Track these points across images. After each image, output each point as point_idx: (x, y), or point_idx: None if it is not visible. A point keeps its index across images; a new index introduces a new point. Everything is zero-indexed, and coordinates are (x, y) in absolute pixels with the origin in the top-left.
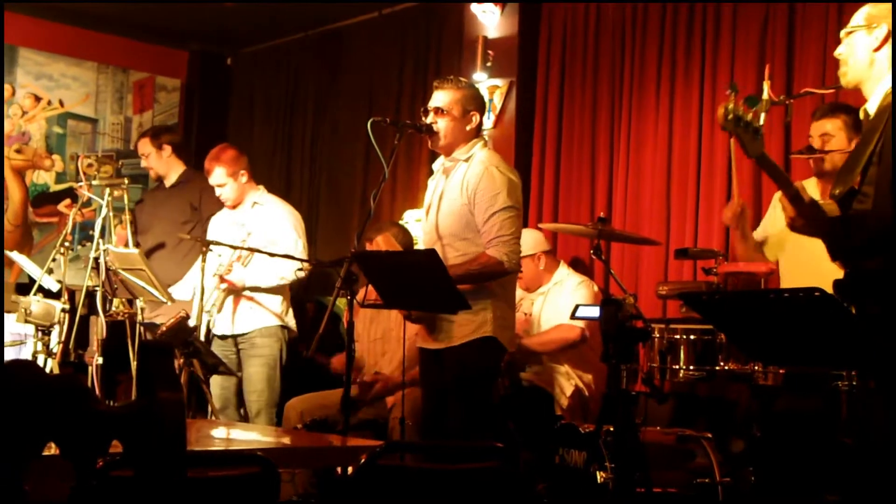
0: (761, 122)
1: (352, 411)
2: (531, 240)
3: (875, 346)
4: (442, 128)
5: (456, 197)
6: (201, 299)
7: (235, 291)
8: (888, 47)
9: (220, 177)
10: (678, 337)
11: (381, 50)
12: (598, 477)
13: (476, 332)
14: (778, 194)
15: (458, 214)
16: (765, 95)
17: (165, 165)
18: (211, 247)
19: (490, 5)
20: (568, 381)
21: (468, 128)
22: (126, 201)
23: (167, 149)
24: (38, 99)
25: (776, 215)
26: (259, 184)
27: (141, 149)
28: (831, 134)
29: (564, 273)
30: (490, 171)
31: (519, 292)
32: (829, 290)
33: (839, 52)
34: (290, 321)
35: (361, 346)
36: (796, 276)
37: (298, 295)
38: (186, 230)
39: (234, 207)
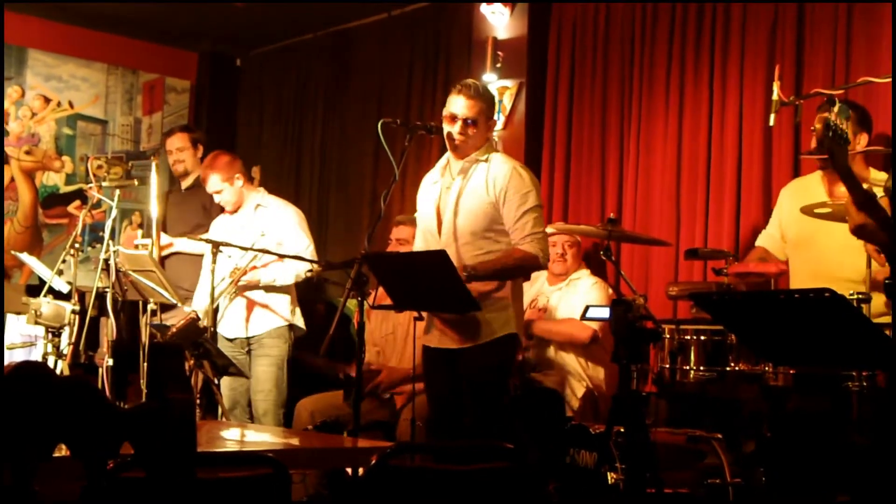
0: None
1: (359, 404)
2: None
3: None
4: (470, 136)
5: (481, 196)
6: (211, 301)
7: (248, 289)
8: None
9: (216, 183)
10: (689, 337)
11: (390, 51)
12: (609, 477)
13: (503, 329)
14: (785, 189)
15: (484, 213)
16: (774, 96)
17: (195, 165)
18: (221, 248)
19: (499, 6)
20: (579, 383)
21: (488, 134)
22: (154, 200)
23: (200, 149)
24: (47, 100)
25: (786, 212)
26: (269, 185)
27: (176, 143)
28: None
29: (584, 273)
30: (517, 170)
31: (536, 287)
32: (839, 288)
33: None
34: (298, 320)
35: (375, 341)
36: (807, 275)
37: (308, 296)
38: (200, 233)
39: (234, 212)
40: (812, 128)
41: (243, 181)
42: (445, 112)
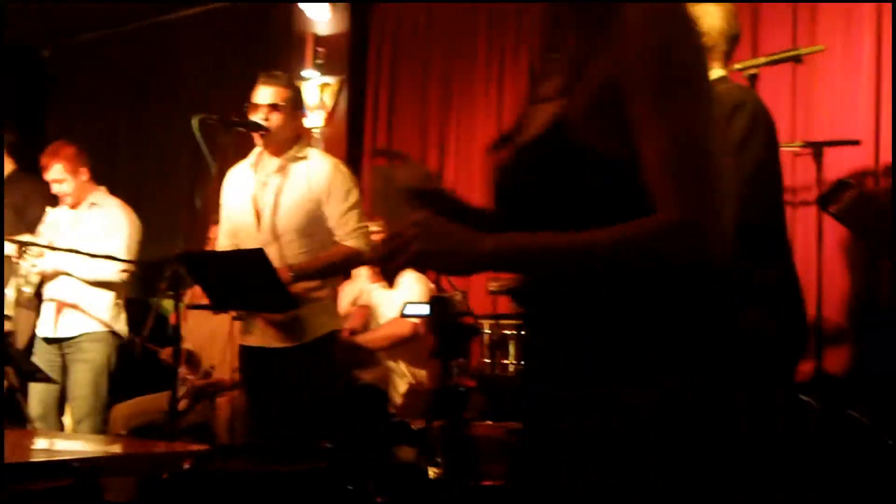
0: None
1: (179, 414)
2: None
3: None
4: (277, 124)
5: (303, 193)
6: (13, 304)
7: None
8: None
9: (59, 172)
10: (508, 332)
11: (208, 45)
12: (430, 472)
13: (326, 327)
14: None
15: (306, 210)
16: None
17: None
18: (27, 247)
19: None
20: (402, 379)
21: (297, 126)
22: None
23: None
24: None
25: None
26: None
27: None
28: None
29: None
30: (338, 167)
31: (358, 284)
32: None
33: None
34: (121, 326)
35: (194, 342)
36: None
37: (124, 295)
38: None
39: (73, 207)
40: None
41: (87, 177)
42: (251, 103)
